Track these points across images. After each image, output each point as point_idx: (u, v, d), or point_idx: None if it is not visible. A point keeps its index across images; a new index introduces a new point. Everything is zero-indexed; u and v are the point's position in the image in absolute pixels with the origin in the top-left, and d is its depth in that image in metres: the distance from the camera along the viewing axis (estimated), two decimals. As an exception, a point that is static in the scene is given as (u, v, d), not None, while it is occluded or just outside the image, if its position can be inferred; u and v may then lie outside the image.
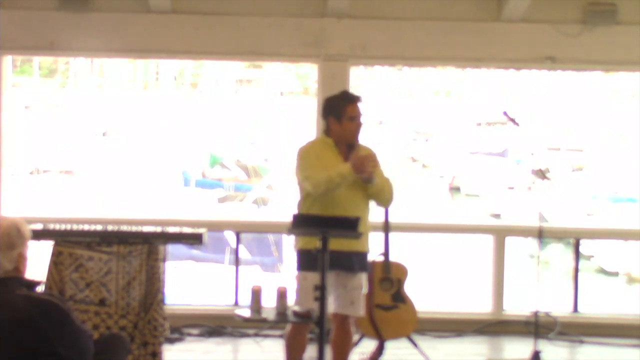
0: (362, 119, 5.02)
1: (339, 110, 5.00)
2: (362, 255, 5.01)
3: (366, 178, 4.84)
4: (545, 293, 6.22)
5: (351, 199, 4.90)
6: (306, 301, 4.78)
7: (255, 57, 8.19)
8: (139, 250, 5.08)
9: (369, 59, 7.20)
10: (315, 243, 4.57)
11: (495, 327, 6.79)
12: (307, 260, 4.91)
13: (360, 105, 5.03)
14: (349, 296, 4.96)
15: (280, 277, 11.29)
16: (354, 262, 4.92)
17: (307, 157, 5.01)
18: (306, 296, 4.80)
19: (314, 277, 4.67)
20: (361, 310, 5.07)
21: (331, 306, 4.86)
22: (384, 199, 5.12)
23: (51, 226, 5.24)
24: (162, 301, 5.11)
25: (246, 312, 4.69)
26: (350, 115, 4.98)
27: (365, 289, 5.17)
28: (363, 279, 5.06)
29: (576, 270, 7.23)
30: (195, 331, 6.51)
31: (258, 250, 12.50)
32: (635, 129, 24.34)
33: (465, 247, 13.89)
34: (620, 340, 6.56)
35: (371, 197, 5.01)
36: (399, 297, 5.77)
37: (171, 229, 5.29)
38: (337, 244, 4.54)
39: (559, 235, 10.75)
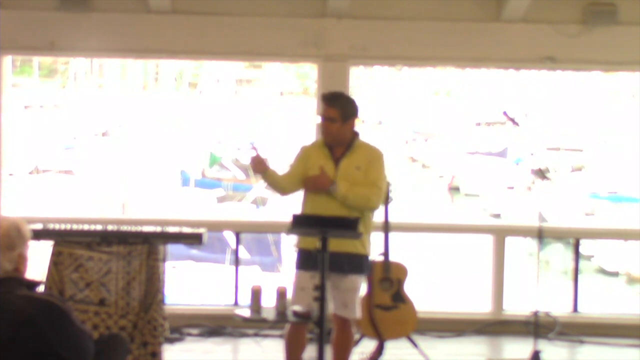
0: (329, 119, 4.91)
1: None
2: (354, 256, 4.91)
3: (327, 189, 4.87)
4: (545, 293, 6.22)
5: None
6: (297, 299, 4.82)
7: (255, 57, 8.19)
8: (139, 250, 5.08)
9: (369, 59, 7.19)
10: (310, 242, 4.59)
11: (495, 327, 6.78)
12: (300, 259, 4.96)
13: (327, 104, 4.96)
14: (341, 298, 4.95)
15: (280, 277, 11.29)
16: (344, 263, 4.84)
17: (295, 158, 5.11)
18: (296, 294, 4.87)
19: (302, 276, 4.85)
20: (355, 313, 5.01)
21: (331, 306, 4.87)
22: (360, 208, 4.92)
23: (51, 226, 5.24)
24: (162, 301, 5.11)
25: (246, 312, 4.70)
26: (321, 115, 5.04)
27: (362, 291, 5.15)
28: (357, 281, 4.99)
29: (576, 270, 7.23)
30: (195, 331, 6.51)
31: (257, 250, 12.51)
32: (635, 129, 24.35)
33: (465, 247, 13.90)
34: (620, 340, 6.55)
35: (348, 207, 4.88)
36: (399, 297, 5.77)
37: (171, 229, 5.29)
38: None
39: (559, 235, 10.76)
